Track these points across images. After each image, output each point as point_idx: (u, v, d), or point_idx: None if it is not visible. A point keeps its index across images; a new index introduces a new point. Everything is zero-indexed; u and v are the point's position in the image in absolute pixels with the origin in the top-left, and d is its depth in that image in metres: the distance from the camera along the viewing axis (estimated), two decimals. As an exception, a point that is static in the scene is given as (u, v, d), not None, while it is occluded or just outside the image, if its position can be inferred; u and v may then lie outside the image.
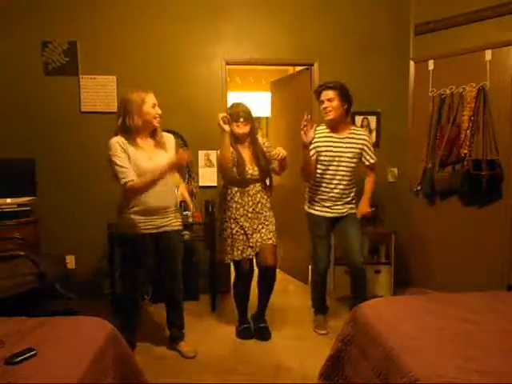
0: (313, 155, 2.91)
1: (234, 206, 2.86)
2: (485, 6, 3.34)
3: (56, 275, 2.81)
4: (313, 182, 3.01)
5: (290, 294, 3.93)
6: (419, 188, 3.71)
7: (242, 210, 2.85)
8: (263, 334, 2.96)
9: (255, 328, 3.01)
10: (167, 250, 2.63)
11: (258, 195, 2.88)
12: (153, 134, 2.51)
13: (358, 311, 2.07)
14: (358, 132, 2.98)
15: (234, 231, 2.86)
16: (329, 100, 2.85)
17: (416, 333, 1.74)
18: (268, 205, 2.94)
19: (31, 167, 3.43)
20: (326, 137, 2.93)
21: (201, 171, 3.80)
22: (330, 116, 2.87)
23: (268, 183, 2.99)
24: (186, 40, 3.71)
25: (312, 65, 3.86)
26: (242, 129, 2.79)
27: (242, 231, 2.85)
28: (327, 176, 2.94)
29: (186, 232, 3.53)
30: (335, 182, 2.92)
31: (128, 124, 2.39)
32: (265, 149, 2.91)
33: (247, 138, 2.86)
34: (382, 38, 3.86)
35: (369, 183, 3.04)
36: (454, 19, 3.53)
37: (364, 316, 2.00)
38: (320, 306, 3.18)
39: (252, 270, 2.97)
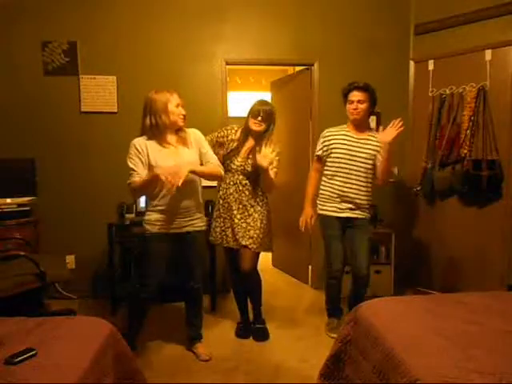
0: (324, 152, 2.97)
1: (220, 192, 2.91)
2: (485, 6, 3.34)
3: (56, 275, 2.81)
4: (324, 181, 2.99)
5: (290, 294, 3.93)
6: (419, 188, 3.70)
7: (223, 198, 2.87)
8: (259, 335, 2.97)
9: (252, 329, 3.02)
10: (188, 250, 2.64)
11: (233, 187, 2.82)
12: (176, 132, 2.53)
13: (358, 311, 2.07)
14: (376, 136, 2.91)
15: (216, 214, 2.92)
16: (359, 101, 2.84)
17: (416, 333, 1.74)
18: (251, 203, 2.82)
19: (31, 167, 3.43)
20: (343, 135, 2.93)
21: (201, 171, 3.80)
22: (356, 117, 2.87)
23: (260, 181, 2.86)
24: (186, 40, 3.71)
25: (312, 65, 3.86)
26: (256, 126, 2.77)
27: (221, 218, 2.88)
28: (340, 175, 2.90)
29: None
30: (348, 181, 2.88)
31: (155, 123, 2.41)
32: (270, 154, 2.76)
33: (258, 136, 2.83)
34: (382, 38, 3.86)
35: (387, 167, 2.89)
36: (454, 19, 3.53)
37: (364, 316, 2.00)
38: (333, 309, 3.14)
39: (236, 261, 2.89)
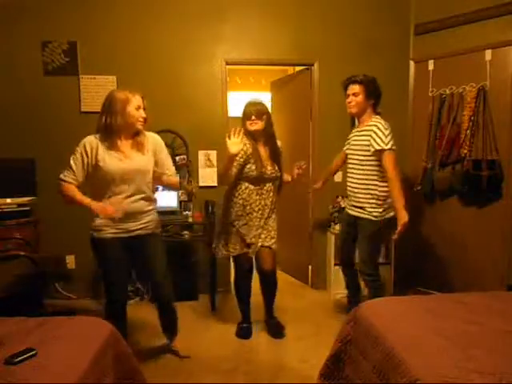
0: (347, 150, 3.08)
1: (240, 202, 2.86)
2: (485, 6, 3.34)
3: (56, 275, 2.81)
4: None
5: (291, 294, 3.93)
6: (419, 188, 3.70)
7: (248, 207, 2.86)
8: (276, 330, 3.02)
9: (268, 326, 3.06)
10: (142, 254, 2.48)
11: (265, 195, 2.89)
12: (134, 135, 2.39)
13: (358, 311, 2.07)
14: (372, 121, 2.80)
15: (234, 227, 2.88)
16: (354, 94, 2.84)
17: (416, 333, 1.74)
18: (273, 207, 2.95)
19: (31, 167, 3.43)
20: (355, 131, 3.00)
21: (201, 171, 3.80)
22: (351, 110, 2.88)
23: (279, 183, 2.99)
24: (186, 40, 3.71)
25: (312, 65, 3.86)
26: (253, 126, 2.80)
27: (243, 228, 2.87)
28: (347, 171, 3.01)
29: (186, 232, 3.54)
30: (349, 177, 2.97)
31: (109, 123, 2.29)
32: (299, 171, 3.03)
33: (262, 135, 2.86)
34: (382, 38, 3.85)
35: (390, 188, 2.75)
36: (454, 19, 3.53)
37: (364, 316, 2.00)
38: (350, 299, 3.21)
39: (251, 268, 2.97)
